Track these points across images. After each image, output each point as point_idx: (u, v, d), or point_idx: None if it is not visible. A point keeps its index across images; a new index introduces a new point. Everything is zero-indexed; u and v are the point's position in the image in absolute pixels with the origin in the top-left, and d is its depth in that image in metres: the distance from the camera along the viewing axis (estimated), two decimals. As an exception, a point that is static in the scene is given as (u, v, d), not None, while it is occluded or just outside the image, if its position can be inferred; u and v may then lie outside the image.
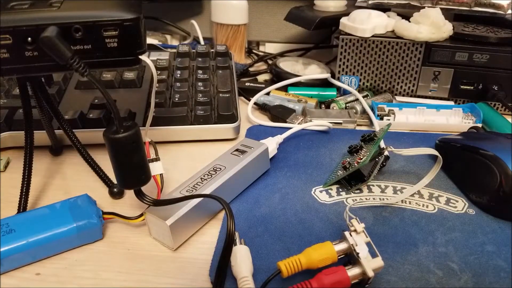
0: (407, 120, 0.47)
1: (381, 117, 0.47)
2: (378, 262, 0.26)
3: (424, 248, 0.30)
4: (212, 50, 0.55)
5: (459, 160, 0.37)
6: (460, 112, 0.47)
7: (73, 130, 0.37)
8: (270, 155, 0.39)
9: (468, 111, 0.48)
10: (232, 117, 0.44)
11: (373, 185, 0.37)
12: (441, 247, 0.30)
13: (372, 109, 0.48)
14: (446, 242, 0.31)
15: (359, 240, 0.27)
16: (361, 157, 0.37)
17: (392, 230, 0.32)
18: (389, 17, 0.52)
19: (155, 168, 0.33)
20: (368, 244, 0.27)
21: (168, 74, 0.50)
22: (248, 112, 0.49)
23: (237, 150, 0.37)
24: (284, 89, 0.53)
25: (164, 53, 0.56)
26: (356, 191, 0.36)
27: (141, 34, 0.29)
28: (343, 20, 0.52)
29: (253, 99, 0.51)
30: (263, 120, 0.48)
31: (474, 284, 0.27)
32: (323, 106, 0.51)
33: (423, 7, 0.50)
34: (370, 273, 0.26)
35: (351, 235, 0.27)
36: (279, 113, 0.48)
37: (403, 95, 0.52)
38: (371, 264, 0.26)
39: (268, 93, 0.52)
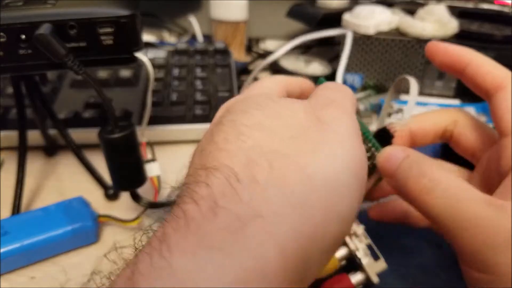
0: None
1: (389, 115, 0.46)
2: (381, 264, 0.26)
3: (429, 250, 0.30)
4: (211, 48, 0.54)
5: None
6: (473, 111, 0.46)
7: (68, 129, 0.36)
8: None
9: (481, 111, 0.46)
10: (231, 116, 0.43)
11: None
12: (446, 248, 0.30)
13: (380, 107, 0.47)
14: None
15: (359, 244, 0.26)
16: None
17: (394, 231, 0.31)
18: (393, 14, 0.51)
19: (152, 170, 0.32)
20: (369, 246, 0.26)
21: (166, 72, 0.49)
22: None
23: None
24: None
25: (161, 50, 0.55)
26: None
27: (138, 31, 0.28)
28: (346, 16, 0.51)
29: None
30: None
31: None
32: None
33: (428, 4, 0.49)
34: (375, 279, 0.25)
35: (351, 239, 0.27)
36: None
37: (408, 93, 0.52)
38: (374, 268, 0.25)
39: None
